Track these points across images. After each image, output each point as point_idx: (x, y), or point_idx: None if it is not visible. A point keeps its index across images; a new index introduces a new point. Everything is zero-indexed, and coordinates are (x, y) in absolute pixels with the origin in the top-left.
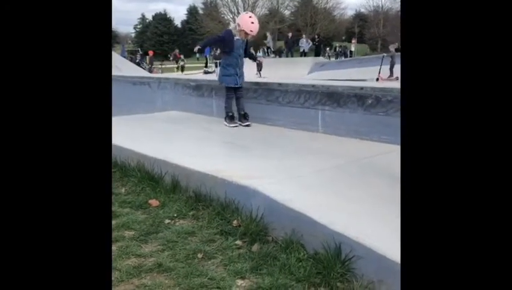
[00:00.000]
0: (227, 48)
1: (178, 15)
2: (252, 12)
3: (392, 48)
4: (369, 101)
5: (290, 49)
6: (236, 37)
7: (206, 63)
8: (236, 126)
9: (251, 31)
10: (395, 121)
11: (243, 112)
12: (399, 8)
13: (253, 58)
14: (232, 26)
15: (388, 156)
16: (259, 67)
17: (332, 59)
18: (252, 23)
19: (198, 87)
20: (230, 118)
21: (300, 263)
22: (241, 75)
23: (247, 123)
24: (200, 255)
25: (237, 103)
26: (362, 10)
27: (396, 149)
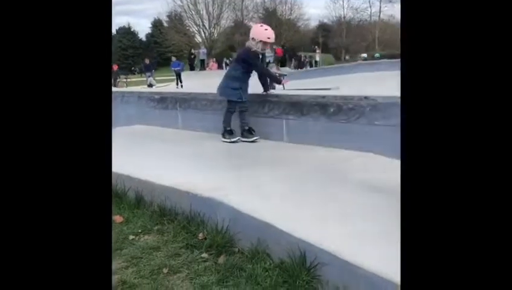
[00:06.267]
0: (250, 68)
1: (141, 28)
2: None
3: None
4: (331, 110)
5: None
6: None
7: (178, 79)
8: (237, 140)
9: (268, 38)
10: (356, 128)
11: (247, 127)
12: (360, 18)
13: (274, 78)
14: (248, 43)
15: (350, 162)
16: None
17: (298, 69)
18: (266, 30)
19: (162, 100)
20: (229, 132)
21: (266, 273)
22: (246, 90)
23: (253, 138)
24: (165, 270)
25: (241, 117)
26: (325, 21)
27: (358, 155)
